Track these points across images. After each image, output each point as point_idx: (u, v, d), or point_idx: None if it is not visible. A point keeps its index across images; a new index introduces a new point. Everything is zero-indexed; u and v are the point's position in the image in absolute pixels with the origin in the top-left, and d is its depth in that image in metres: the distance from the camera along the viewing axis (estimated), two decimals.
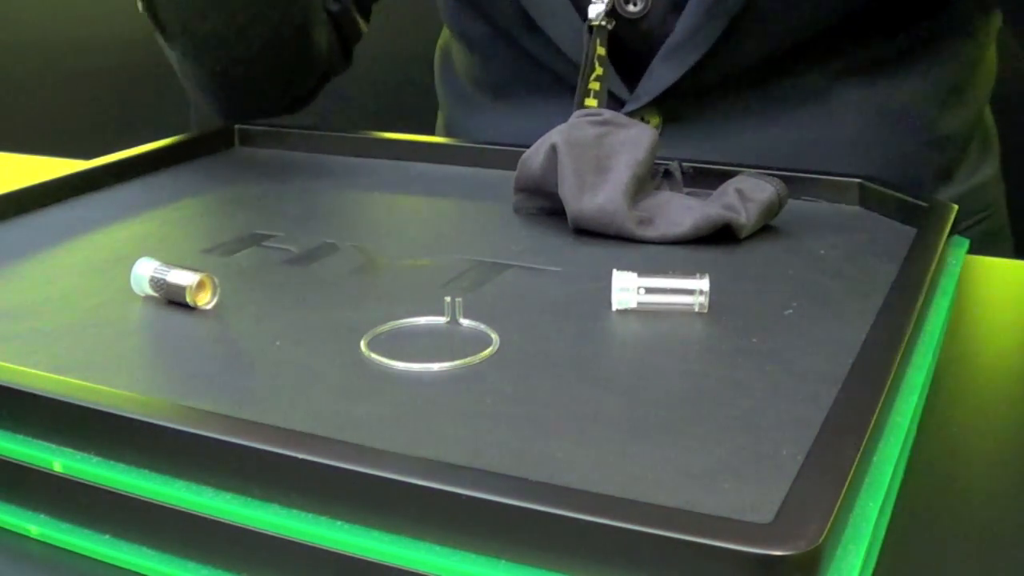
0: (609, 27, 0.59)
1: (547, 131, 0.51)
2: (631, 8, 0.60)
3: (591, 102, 0.59)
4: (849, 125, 0.64)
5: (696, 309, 0.39)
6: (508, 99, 0.70)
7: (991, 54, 0.70)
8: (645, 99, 0.61)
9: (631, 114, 0.61)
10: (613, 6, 0.60)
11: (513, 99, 0.70)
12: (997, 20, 0.68)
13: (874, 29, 0.62)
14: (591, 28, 0.59)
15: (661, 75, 0.61)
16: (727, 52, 0.60)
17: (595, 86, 0.60)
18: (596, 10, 0.59)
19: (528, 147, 0.51)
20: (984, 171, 0.70)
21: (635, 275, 0.40)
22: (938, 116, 0.66)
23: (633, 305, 0.40)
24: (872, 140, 0.64)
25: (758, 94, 0.63)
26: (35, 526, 0.31)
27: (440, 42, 0.79)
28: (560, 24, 0.62)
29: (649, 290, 0.39)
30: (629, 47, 0.61)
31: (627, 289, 0.40)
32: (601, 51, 0.59)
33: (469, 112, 0.74)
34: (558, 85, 0.65)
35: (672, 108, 0.62)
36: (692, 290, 0.39)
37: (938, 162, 0.67)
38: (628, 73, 0.62)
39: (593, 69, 0.59)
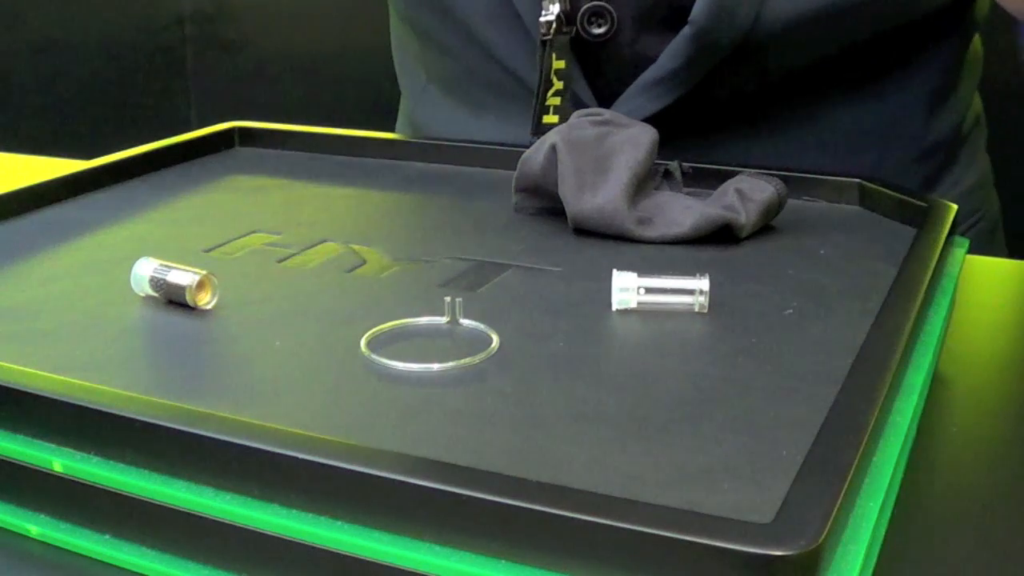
0: (570, 34, 0.56)
1: (508, 135, 0.49)
2: (595, 30, 0.57)
3: (551, 118, 0.57)
4: (836, 147, 0.62)
5: (696, 309, 0.40)
6: (467, 97, 0.68)
7: (976, 44, 0.69)
8: None
9: None
10: (576, 32, 0.57)
11: (473, 98, 0.67)
12: (984, 8, 0.67)
13: (862, 49, 0.61)
14: (544, 42, 0.56)
15: (638, 105, 0.58)
16: (711, 87, 0.58)
17: (555, 101, 0.57)
18: (545, 20, 0.55)
19: (514, 146, 0.50)
20: (971, 175, 0.69)
21: (635, 275, 0.40)
22: (926, 125, 0.65)
23: (633, 305, 0.40)
24: (860, 160, 0.63)
25: (741, 121, 0.61)
26: (35, 526, 0.31)
27: (392, 31, 0.75)
28: (510, 40, 0.58)
29: (649, 290, 0.40)
30: (602, 66, 0.59)
31: (627, 289, 0.40)
32: (559, 64, 0.56)
33: (425, 106, 0.71)
34: (519, 87, 0.63)
35: None
36: (692, 290, 0.39)
37: (925, 172, 0.66)
38: (602, 90, 0.60)
39: (551, 84, 0.56)
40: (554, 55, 0.56)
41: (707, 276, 0.40)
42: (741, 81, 0.59)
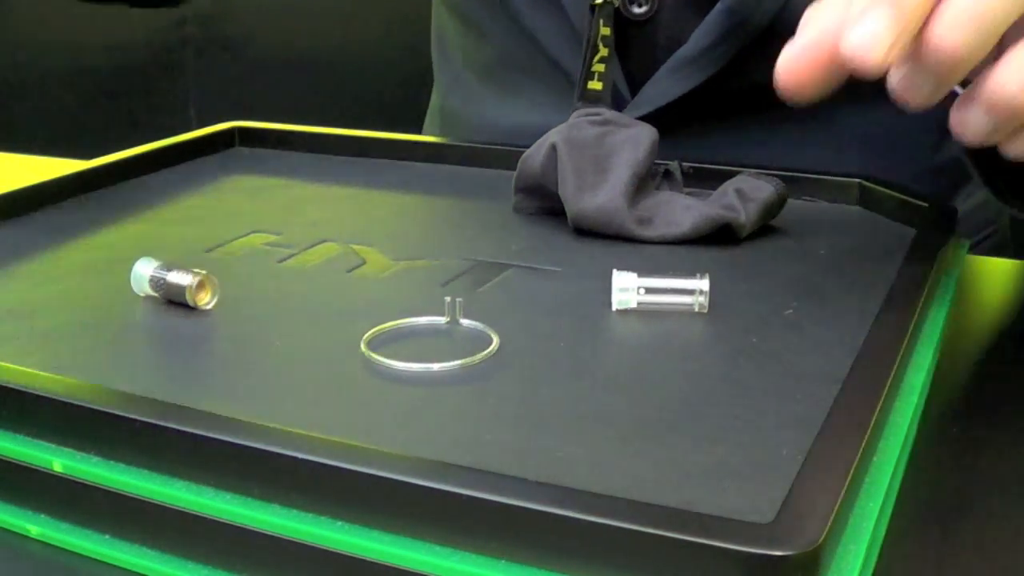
0: (615, 3, 0.58)
1: (538, 119, 0.50)
2: (636, 9, 0.59)
3: (595, 84, 0.58)
4: (849, 150, 0.63)
5: (696, 309, 0.40)
6: (501, 82, 0.69)
7: None
8: (646, 108, 0.60)
9: None
10: (616, 11, 0.58)
11: (506, 83, 0.69)
12: None
13: None
14: (592, 7, 0.58)
15: (667, 87, 0.59)
16: (739, 71, 0.58)
17: (600, 68, 0.58)
18: None
19: (526, 144, 0.51)
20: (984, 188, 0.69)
21: (635, 275, 0.40)
22: (938, 138, 0.65)
23: (633, 305, 0.40)
24: (872, 168, 0.63)
25: (762, 117, 0.62)
26: (35, 526, 0.31)
27: (434, 20, 0.77)
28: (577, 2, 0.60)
29: (649, 290, 0.40)
30: (636, 48, 0.60)
31: (627, 289, 0.40)
32: (606, 31, 0.58)
33: (462, 95, 0.73)
34: (555, 71, 0.64)
35: (670, 125, 0.61)
36: (692, 290, 0.39)
37: (938, 186, 0.66)
38: (633, 75, 0.61)
39: (596, 51, 0.58)
40: (601, 21, 0.58)
41: (707, 276, 0.40)
42: (763, 69, 0.59)
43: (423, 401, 0.33)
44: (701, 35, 0.58)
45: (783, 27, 0.57)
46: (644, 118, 0.60)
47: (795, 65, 0.38)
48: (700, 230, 0.47)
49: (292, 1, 1.68)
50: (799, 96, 0.38)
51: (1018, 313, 0.48)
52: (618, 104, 0.59)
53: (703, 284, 0.39)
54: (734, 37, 0.57)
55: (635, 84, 0.61)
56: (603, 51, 0.58)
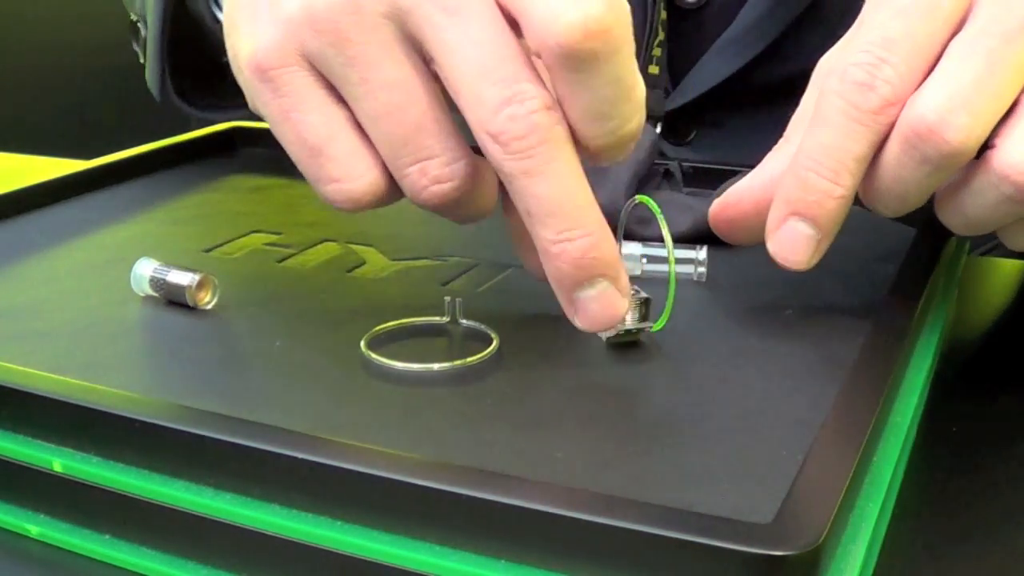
0: None
1: None
2: None
3: (653, 68, 0.58)
4: None
5: (695, 278, 0.41)
6: None
7: None
8: (691, 94, 0.59)
9: (674, 111, 0.60)
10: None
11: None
12: None
13: None
14: None
15: (713, 69, 0.59)
16: (783, 53, 0.58)
17: (657, 52, 0.58)
18: None
19: None
20: None
21: (639, 244, 0.41)
22: None
23: (637, 273, 0.41)
24: None
25: (790, 110, 0.62)
26: (35, 526, 0.31)
27: None
28: None
29: (651, 259, 0.41)
30: (683, 40, 0.60)
31: (631, 256, 0.41)
32: (663, 15, 0.57)
33: None
34: None
35: (712, 118, 0.60)
36: (691, 259, 0.41)
37: None
38: (673, 65, 0.61)
39: (656, 34, 0.58)
40: (661, 4, 0.58)
41: (705, 247, 0.42)
42: (804, 54, 0.60)
43: (423, 401, 0.33)
44: (747, 12, 0.58)
45: (827, 7, 0.57)
46: (688, 105, 0.60)
47: (730, 212, 0.39)
48: (700, 230, 0.46)
49: None
50: (730, 238, 0.39)
51: (1018, 313, 0.48)
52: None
53: (701, 254, 0.41)
54: (780, 12, 0.56)
55: (676, 74, 0.61)
56: (660, 35, 0.58)
